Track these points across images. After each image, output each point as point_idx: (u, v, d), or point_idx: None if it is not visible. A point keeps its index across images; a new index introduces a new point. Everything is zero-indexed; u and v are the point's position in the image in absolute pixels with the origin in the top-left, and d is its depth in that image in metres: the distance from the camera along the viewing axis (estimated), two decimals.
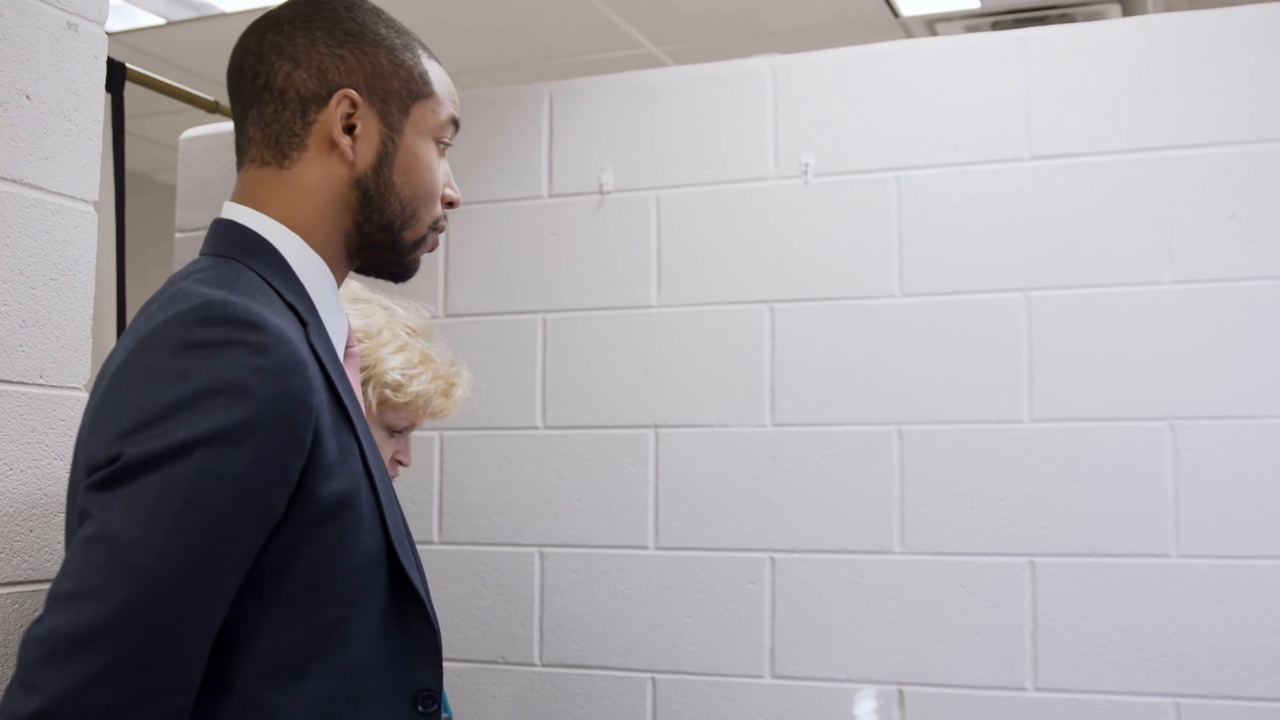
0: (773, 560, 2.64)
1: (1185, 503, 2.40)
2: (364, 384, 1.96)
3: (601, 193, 2.82)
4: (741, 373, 2.69)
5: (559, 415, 2.78)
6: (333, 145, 1.40)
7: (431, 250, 1.54)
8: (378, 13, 1.48)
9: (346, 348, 1.52)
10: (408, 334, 2.08)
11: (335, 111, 1.40)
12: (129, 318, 2.85)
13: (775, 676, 2.62)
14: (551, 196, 2.86)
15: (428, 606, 1.44)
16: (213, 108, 3.01)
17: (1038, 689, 2.45)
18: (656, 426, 2.74)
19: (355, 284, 2.08)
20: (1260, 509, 2.35)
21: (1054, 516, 2.47)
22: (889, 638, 2.55)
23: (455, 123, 1.52)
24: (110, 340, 2.67)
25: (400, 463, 2.11)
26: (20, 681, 1.18)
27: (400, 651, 1.40)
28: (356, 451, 1.38)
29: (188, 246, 3.21)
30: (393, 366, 2.00)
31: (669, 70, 2.86)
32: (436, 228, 1.51)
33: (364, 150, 1.42)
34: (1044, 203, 2.52)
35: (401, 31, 1.48)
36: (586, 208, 2.83)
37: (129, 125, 2.84)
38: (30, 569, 1.74)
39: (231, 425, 1.21)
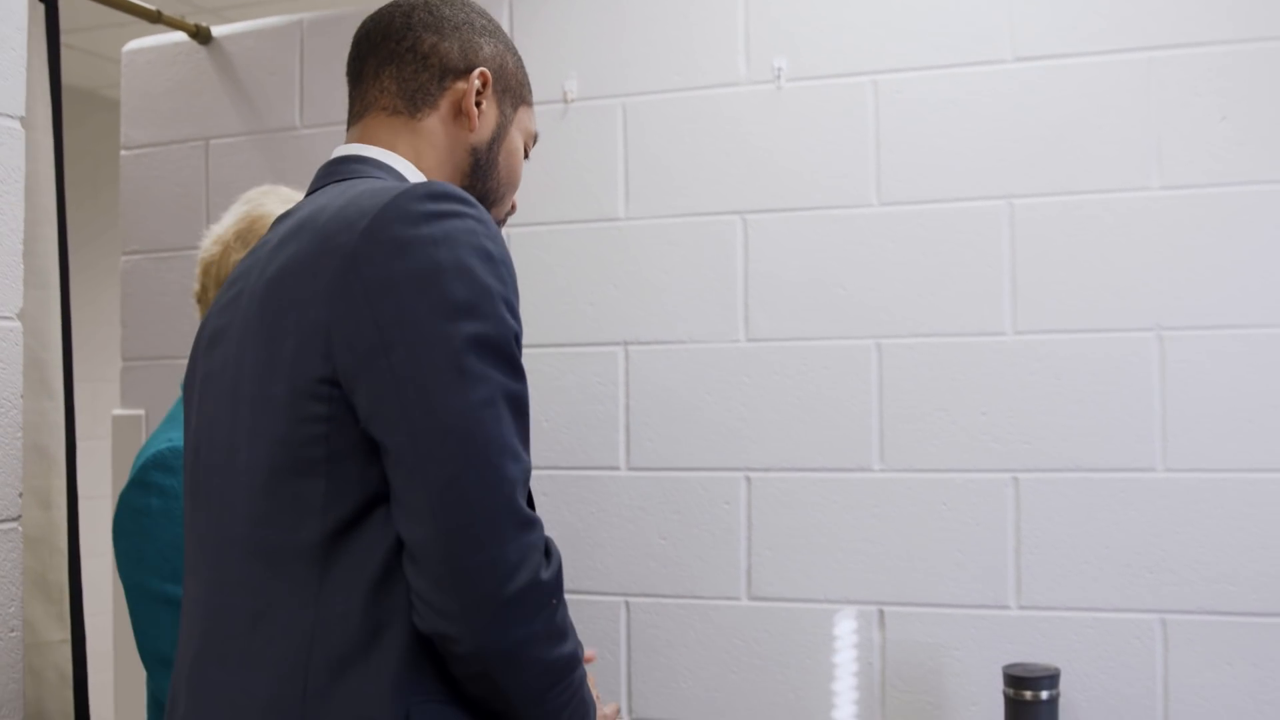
0: (748, 479, 2.57)
1: (1172, 415, 2.33)
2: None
3: (566, 101, 2.71)
4: (714, 286, 2.60)
5: (526, 333, 2.65)
6: (459, 112, 1.54)
7: None
8: (499, 26, 1.66)
9: None
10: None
11: (473, 83, 1.54)
12: (71, 241, 2.74)
13: (752, 598, 2.56)
14: None
15: None
16: (155, 18, 2.87)
17: (1021, 607, 2.40)
18: (626, 343, 2.65)
19: (285, 186, 2.08)
20: (1249, 421, 2.29)
21: (1037, 431, 2.40)
22: (869, 557, 2.49)
23: (536, 139, 1.68)
24: (50, 264, 2.55)
25: None
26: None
27: None
28: None
29: (135, 165, 3.08)
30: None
31: None
32: (502, 223, 1.65)
33: (484, 125, 1.56)
34: (1027, 106, 2.43)
35: (515, 48, 1.65)
36: (550, 117, 2.72)
37: (74, 40, 2.71)
38: None
39: (496, 281, 1.30)
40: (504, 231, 2.62)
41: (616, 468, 2.64)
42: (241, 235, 1.97)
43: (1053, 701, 2.25)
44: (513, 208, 1.67)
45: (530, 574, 1.23)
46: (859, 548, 2.49)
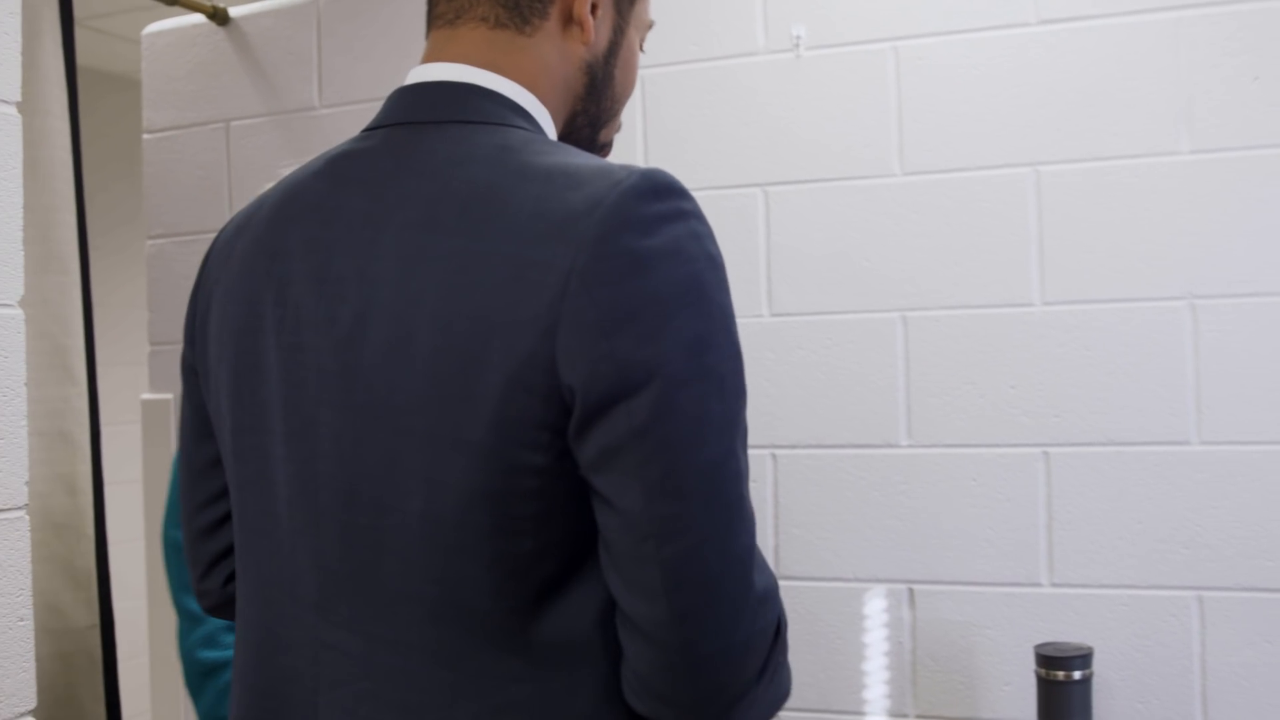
0: (774, 457, 2.53)
1: (1207, 386, 2.27)
2: None
3: None
4: (736, 261, 2.55)
5: None
6: (571, 21, 1.27)
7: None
8: None
9: None
10: None
11: None
12: (97, 224, 2.74)
13: (780, 577, 2.51)
14: None
15: None
16: (171, 0, 2.85)
17: (1053, 584, 2.35)
18: None
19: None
20: None
21: (1068, 404, 2.34)
22: (897, 534, 2.44)
23: (652, 26, 1.41)
24: (70, 250, 2.55)
25: None
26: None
27: None
28: None
29: (157, 148, 3.07)
30: None
31: None
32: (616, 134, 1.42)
33: (600, 36, 1.30)
34: (1052, 70, 2.36)
35: None
36: None
37: (97, 24, 2.70)
38: None
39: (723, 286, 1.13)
40: None
41: None
42: None
43: (1086, 681, 2.20)
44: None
45: (765, 660, 1.07)
46: (888, 525, 2.45)
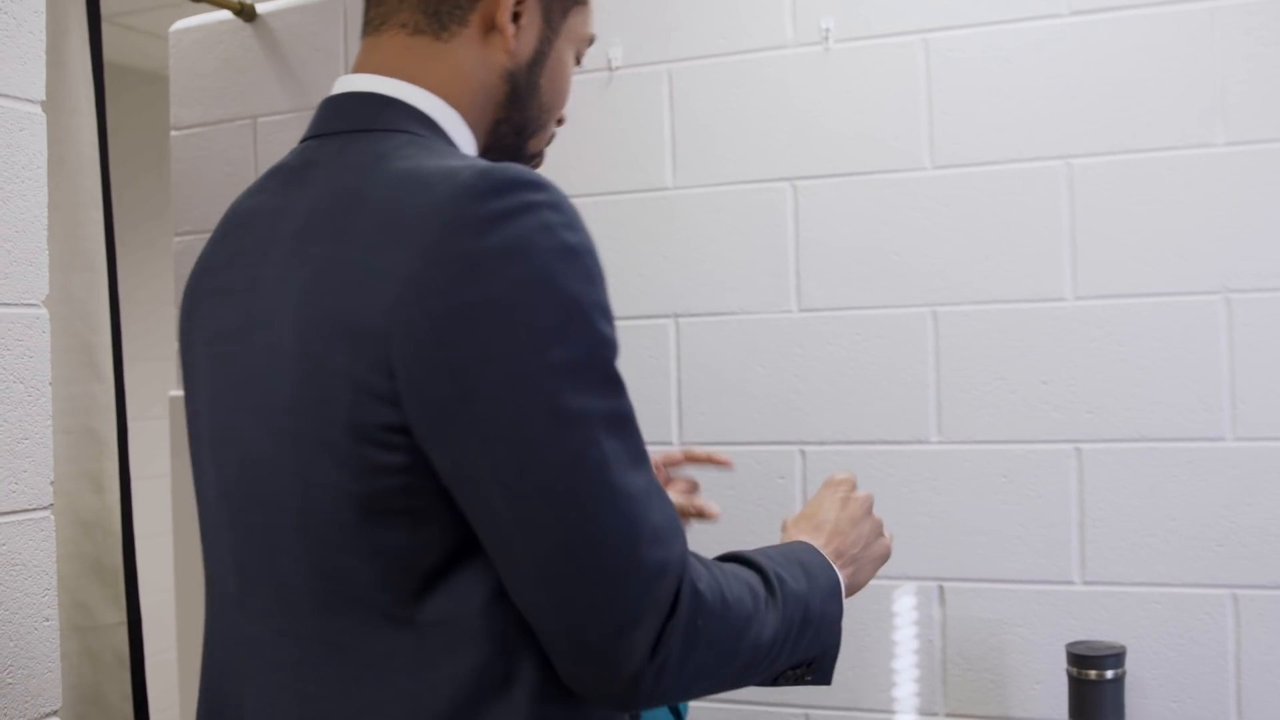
0: (803, 453, 2.51)
1: (1241, 381, 2.24)
2: None
3: (610, 69, 2.65)
4: (765, 255, 2.53)
5: None
6: (492, 29, 1.26)
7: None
8: None
9: None
10: None
11: None
12: (126, 220, 2.74)
13: None
14: None
15: None
16: None
17: (1085, 582, 2.32)
18: (677, 316, 2.60)
19: None
20: None
21: (1100, 400, 2.31)
22: (928, 531, 2.42)
23: (592, 41, 1.40)
24: (97, 247, 2.55)
25: None
26: None
27: None
28: None
29: (185, 145, 3.07)
30: None
31: None
32: (547, 144, 1.40)
33: (523, 44, 1.28)
34: (1084, 61, 2.33)
35: None
36: (595, 86, 2.66)
37: (126, 20, 2.71)
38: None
39: (595, 276, 1.11)
40: None
41: (670, 443, 2.59)
42: None
43: (1118, 680, 2.17)
44: (560, 121, 1.38)
45: (660, 634, 1.07)
46: (917, 522, 2.42)
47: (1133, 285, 2.30)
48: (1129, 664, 2.22)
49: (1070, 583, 2.33)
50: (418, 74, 1.25)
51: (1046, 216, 2.35)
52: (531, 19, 1.28)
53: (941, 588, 2.41)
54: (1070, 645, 2.20)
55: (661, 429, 2.58)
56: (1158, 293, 2.28)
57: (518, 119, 1.31)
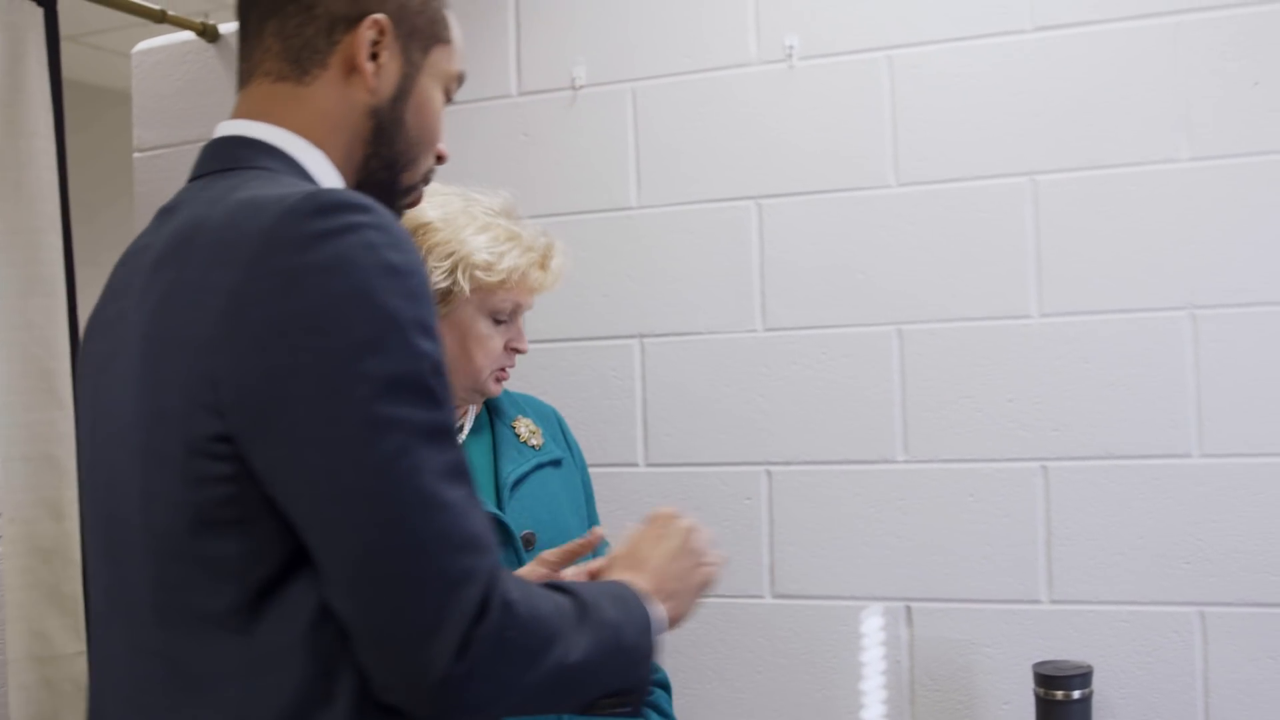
0: (769, 473, 2.49)
1: (1208, 398, 2.22)
2: (452, 270, 1.95)
3: (574, 88, 2.63)
4: (730, 275, 2.52)
5: (538, 328, 2.60)
6: (353, 70, 1.33)
7: (414, 205, 1.48)
8: None
9: None
10: (489, 215, 2.03)
11: (364, 35, 1.32)
12: (84, 247, 2.71)
13: (776, 596, 2.48)
14: (521, 94, 2.68)
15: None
16: (160, 18, 2.83)
17: (1053, 601, 2.30)
18: (642, 336, 2.58)
19: (435, 182, 2.04)
20: None
21: (1067, 417, 2.30)
22: (894, 552, 2.40)
23: (462, 81, 1.47)
24: (56, 272, 2.53)
25: (517, 350, 2.07)
26: None
27: None
28: None
29: (149, 166, 3.04)
30: (478, 246, 1.97)
31: None
32: (426, 179, 1.46)
33: (384, 81, 1.35)
34: (1049, 78, 2.33)
35: None
36: (558, 105, 2.65)
37: (94, 40, 2.69)
38: None
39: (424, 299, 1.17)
40: None
41: (635, 464, 2.57)
42: None
43: (1085, 700, 2.15)
44: (440, 158, 1.45)
45: (465, 640, 1.10)
46: (884, 542, 2.41)
47: (1098, 302, 2.29)
48: (1097, 683, 2.20)
49: (1037, 602, 2.31)
50: (282, 117, 1.31)
51: (1012, 233, 2.34)
52: (391, 56, 1.34)
53: (909, 608, 2.39)
54: (1037, 665, 2.19)
55: (627, 450, 2.56)
56: (1123, 309, 2.27)
57: (386, 154, 1.37)
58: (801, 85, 2.48)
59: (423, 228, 1.99)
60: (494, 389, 2.06)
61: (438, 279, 1.96)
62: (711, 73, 2.54)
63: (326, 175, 1.32)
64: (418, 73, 1.37)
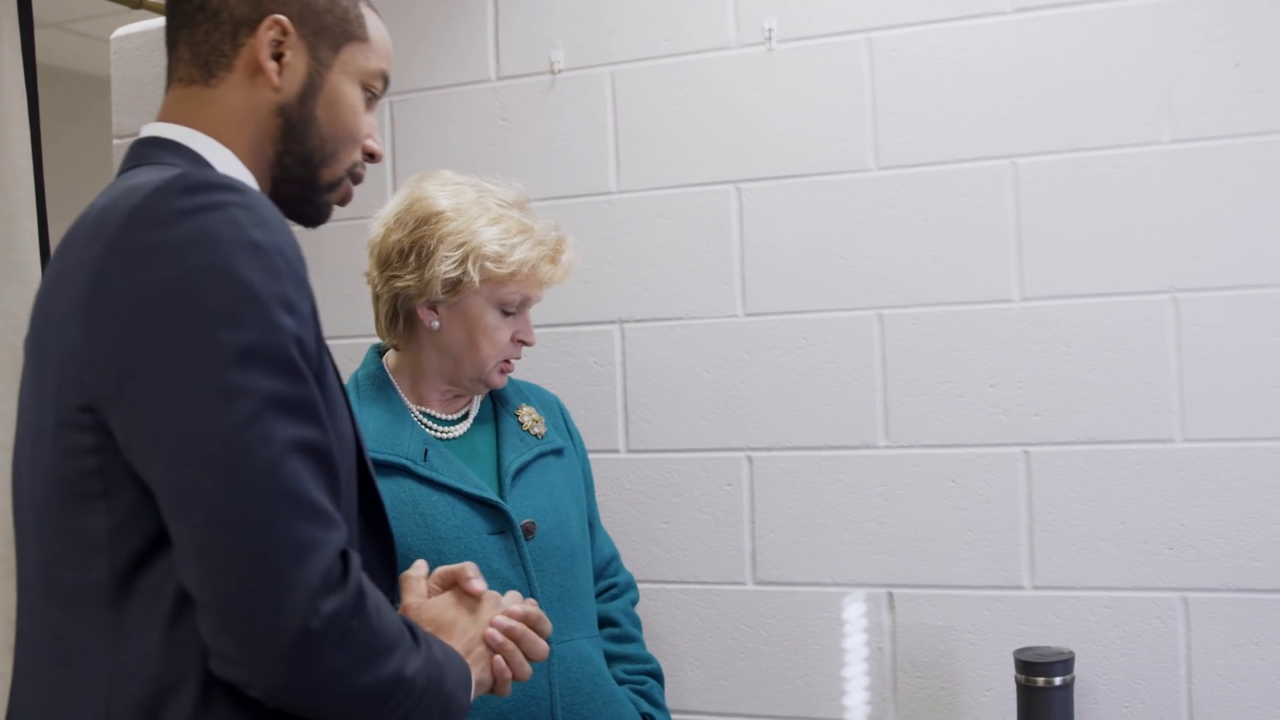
0: (750, 460, 2.47)
1: (1190, 383, 2.21)
2: (462, 260, 1.97)
3: (553, 72, 2.61)
4: (709, 260, 2.50)
5: None
6: (258, 70, 1.37)
7: (344, 202, 1.49)
8: None
9: None
10: (501, 206, 2.05)
11: (264, 36, 1.37)
12: (56, 234, 2.70)
13: (758, 582, 2.46)
14: (500, 79, 2.66)
15: (385, 511, 1.45)
16: (136, 3, 2.81)
17: (1035, 587, 2.29)
18: (622, 322, 2.56)
19: (447, 171, 2.11)
20: (1272, 387, 2.17)
21: (1048, 402, 2.28)
22: (876, 538, 2.39)
23: (385, 78, 1.49)
24: (32, 259, 2.52)
25: (524, 342, 2.09)
26: None
27: (369, 555, 1.40)
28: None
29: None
30: (489, 238, 1.99)
31: None
32: (354, 175, 1.48)
33: (290, 79, 1.39)
34: (1029, 59, 2.30)
35: None
36: (537, 89, 2.63)
37: (79, 27, 2.68)
38: None
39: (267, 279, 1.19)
40: None
41: (616, 450, 2.55)
42: (400, 216, 2.03)
43: (1067, 687, 2.13)
44: (372, 155, 1.47)
45: (311, 609, 1.11)
46: (866, 528, 2.39)
47: (1080, 286, 2.27)
48: (1079, 669, 2.19)
49: (1020, 588, 2.30)
50: (191, 118, 1.36)
51: (992, 217, 2.32)
52: (297, 55, 1.38)
53: (891, 594, 2.38)
54: (1018, 652, 2.17)
55: (608, 436, 2.54)
56: (1105, 293, 2.26)
57: (298, 150, 1.40)
58: (781, 68, 2.46)
59: (435, 216, 1.99)
60: (498, 380, 2.08)
61: (448, 268, 1.96)
62: (690, 56, 2.52)
63: (234, 170, 1.35)
64: (327, 70, 1.40)
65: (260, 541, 1.10)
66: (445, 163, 2.62)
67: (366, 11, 1.47)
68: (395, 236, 2.02)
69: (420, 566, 1.57)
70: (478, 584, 1.50)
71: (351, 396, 2.07)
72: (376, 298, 2.09)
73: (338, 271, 2.74)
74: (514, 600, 1.52)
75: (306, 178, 1.42)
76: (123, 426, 1.15)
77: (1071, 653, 2.15)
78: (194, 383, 1.12)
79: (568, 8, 2.60)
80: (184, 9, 1.39)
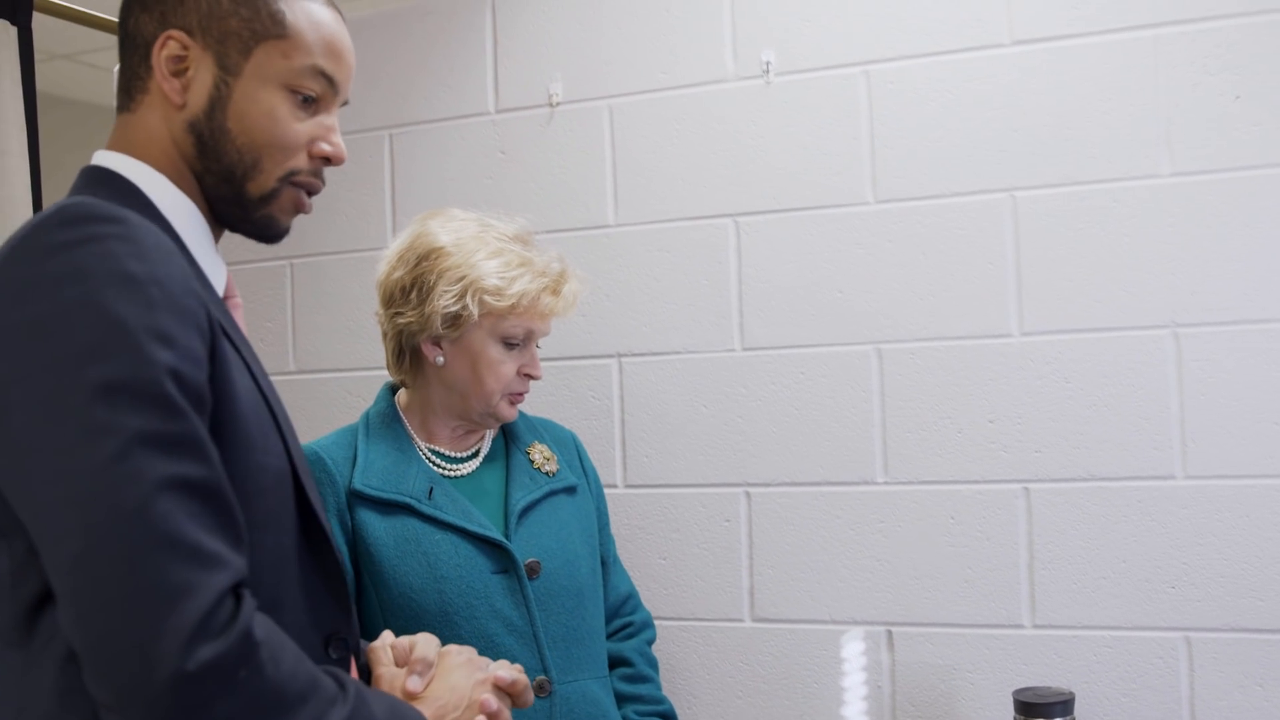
0: (748, 495, 2.45)
1: (1191, 418, 2.18)
2: (461, 294, 1.97)
3: (551, 105, 2.60)
4: (707, 294, 2.48)
5: None
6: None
7: (296, 210, 1.41)
8: None
9: (227, 296, 1.42)
10: (502, 240, 2.05)
11: (159, 54, 1.31)
12: None
13: (756, 619, 2.44)
14: (499, 112, 2.65)
15: (333, 542, 1.38)
16: None
17: (1036, 626, 2.26)
18: (620, 355, 2.54)
19: (455, 209, 2.12)
20: (1275, 423, 2.14)
21: (1048, 438, 2.26)
22: (875, 575, 2.36)
23: (323, 73, 1.37)
24: None
25: (530, 375, 2.08)
26: None
27: (314, 589, 1.35)
28: (246, 369, 1.30)
29: None
30: (488, 271, 1.99)
31: None
32: (296, 182, 1.38)
33: (196, 93, 1.33)
34: (1028, 92, 2.29)
35: None
36: (535, 122, 2.62)
37: (94, 59, 2.70)
38: None
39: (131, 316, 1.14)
40: None
41: (614, 485, 2.53)
42: (403, 254, 2.05)
43: None
44: (303, 174, 1.37)
45: (183, 656, 1.04)
46: (865, 565, 2.36)
47: (1080, 320, 2.24)
48: (1079, 710, 2.15)
49: (1020, 626, 2.27)
50: (120, 143, 1.34)
51: (991, 251, 2.30)
52: (200, 68, 1.32)
53: (890, 632, 2.35)
54: (1018, 692, 2.14)
55: (606, 471, 2.52)
56: (1105, 328, 2.23)
57: (216, 166, 1.34)
58: (779, 101, 2.44)
59: (435, 252, 2.00)
60: (508, 413, 2.07)
61: (448, 303, 1.96)
62: (688, 89, 2.51)
63: (170, 200, 1.33)
64: (235, 78, 1.32)
65: (126, 585, 1.05)
66: (444, 195, 2.63)
67: (297, 3, 1.37)
68: (398, 274, 2.03)
69: (386, 636, 1.51)
70: (413, 684, 1.44)
71: (361, 434, 2.07)
72: (384, 335, 2.09)
73: (337, 304, 2.73)
74: (502, 668, 1.49)
75: (233, 194, 1.36)
76: (1, 469, 1.13)
77: (1072, 693, 2.11)
78: (59, 421, 1.08)
79: (566, 41, 2.60)
80: (120, 41, 1.36)
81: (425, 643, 1.48)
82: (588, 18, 2.58)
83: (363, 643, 1.51)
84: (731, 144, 2.47)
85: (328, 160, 1.39)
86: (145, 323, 1.11)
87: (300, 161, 1.37)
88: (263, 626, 1.12)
